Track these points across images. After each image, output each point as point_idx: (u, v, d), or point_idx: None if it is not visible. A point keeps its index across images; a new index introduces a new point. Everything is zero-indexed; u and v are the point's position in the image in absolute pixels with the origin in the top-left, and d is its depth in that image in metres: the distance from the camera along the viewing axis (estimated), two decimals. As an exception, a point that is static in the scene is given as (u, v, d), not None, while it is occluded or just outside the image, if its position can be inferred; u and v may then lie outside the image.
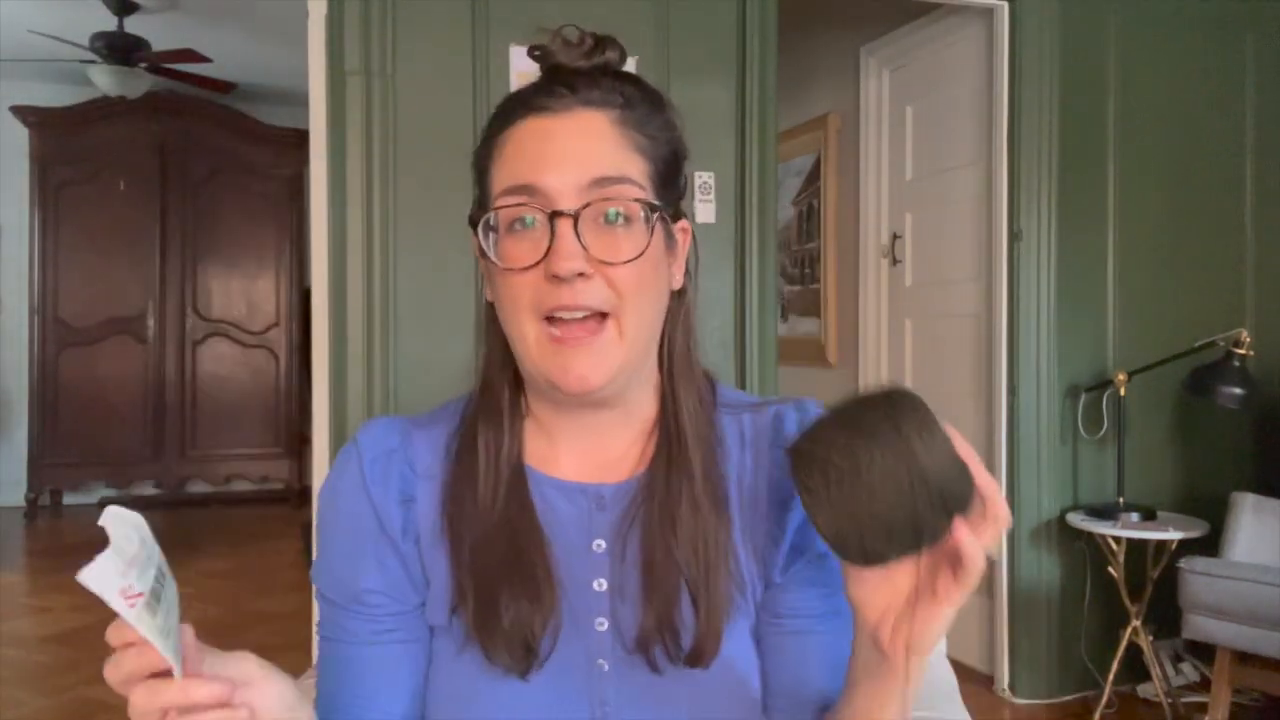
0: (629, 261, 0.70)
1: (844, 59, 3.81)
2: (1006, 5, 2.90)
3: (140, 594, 0.54)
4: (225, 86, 5.39)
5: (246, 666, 0.63)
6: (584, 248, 0.69)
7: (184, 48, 4.74)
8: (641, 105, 0.75)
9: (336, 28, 2.27)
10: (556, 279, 0.68)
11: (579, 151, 0.70)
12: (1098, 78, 2.98)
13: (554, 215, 0.69)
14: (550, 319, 0.70)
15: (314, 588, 0.79)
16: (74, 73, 5.17)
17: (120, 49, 4.66)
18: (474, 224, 0.73)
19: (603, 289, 0.70)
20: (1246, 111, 3.15)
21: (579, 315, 0.70)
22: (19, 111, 5.55)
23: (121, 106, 5.34)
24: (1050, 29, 2.90)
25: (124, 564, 0.54)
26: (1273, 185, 3.15)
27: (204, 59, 4.79)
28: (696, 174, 2.52)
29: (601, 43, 0.75)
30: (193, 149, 5.81)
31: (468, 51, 2.33)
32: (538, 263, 0.69)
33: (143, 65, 4.80)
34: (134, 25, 4.68)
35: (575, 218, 0.69)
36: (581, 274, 0.69)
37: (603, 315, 0.71)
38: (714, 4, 2.55)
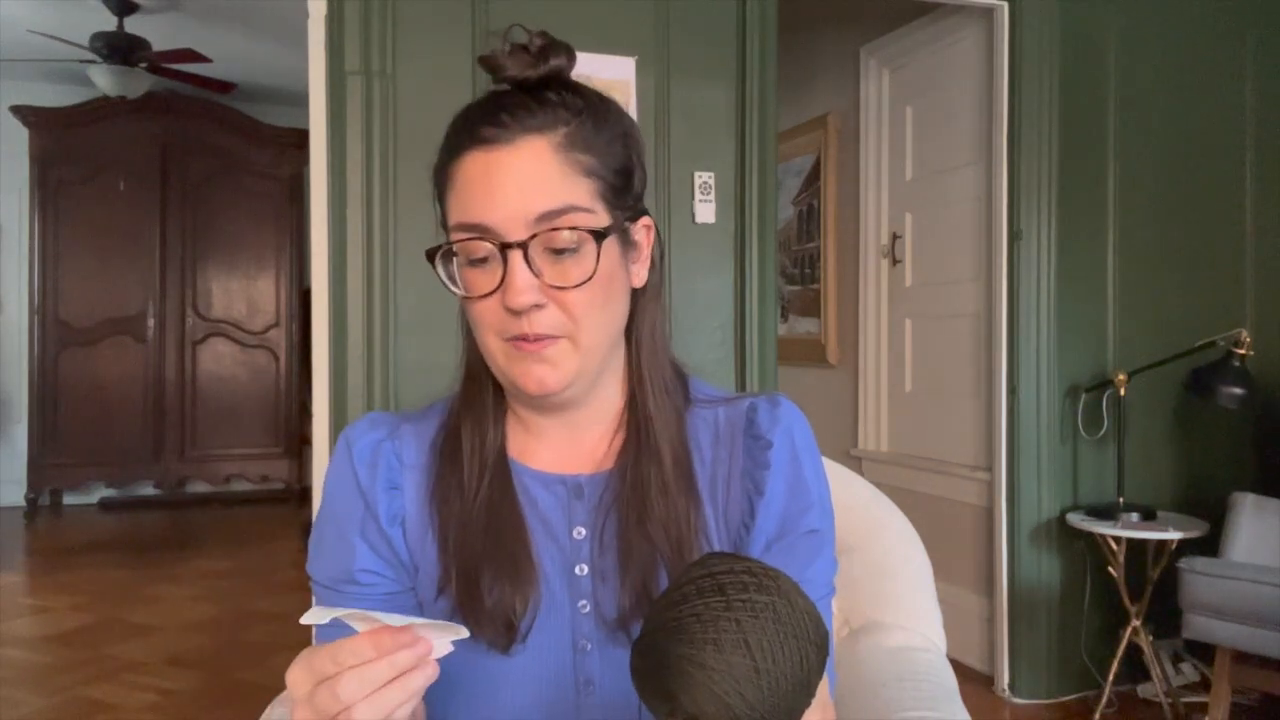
0: (580, 285, 0.73)
1: (844, 59, 3.81)
2: (1006, 5, 2.90)
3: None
4: (225, 86, 5.39)
5: None
6: (536, 274, 0.72)
7: (184, 48, 4.74)
8: (588, 121, 0.75)
9: (336, 28, 2.27)
10: (512, 311, 0.72)
11: (523, 186, 0.72)
12: (1098, 78, 2.98)
13: (504, 247, 0.72)
14: (512, 338, 0.74)
15: (311, 581, 0.82)
16: (74, 73, 5.18)
17: (120, 49, 4.66)
18: (431, 259, 0.76)
19: (556, 315, 0.73)
20: (1246, 111, 3.15)
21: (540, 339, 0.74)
22: (19, 111, 5.55)
23: (121, 106, 5.34)
24: (1050, 29, 2.90)
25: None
26: (1273, 185, 3.15)
27: (204, 59, 4.79)
28: (696, 174, 2.52)
29: (549, 47, 0.75)
30: (193, 149, 5.81)
31: (468, 51, 2.32)
32: (494, 292, 0.73)
33: (143, 65, 4.80)
34: (134, 25, 4.69)
35: (525, 248, 0.71)
36: (536, 304, 0.72)
37: (557, 338, 0.74)
38: (714, 4, 2.55)
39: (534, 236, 0.72)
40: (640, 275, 0.81)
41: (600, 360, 0.78)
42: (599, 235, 0.73)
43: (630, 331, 0.82)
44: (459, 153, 0.75)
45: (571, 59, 0.76)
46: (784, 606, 0.56)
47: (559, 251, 0.72)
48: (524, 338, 0.73)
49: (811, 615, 0.57)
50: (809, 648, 0.56)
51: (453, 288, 0.75)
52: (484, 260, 0.73)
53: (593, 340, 0.75)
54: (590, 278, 0.73)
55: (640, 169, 0.80)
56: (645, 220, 0.81)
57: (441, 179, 0.77)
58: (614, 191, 0.76)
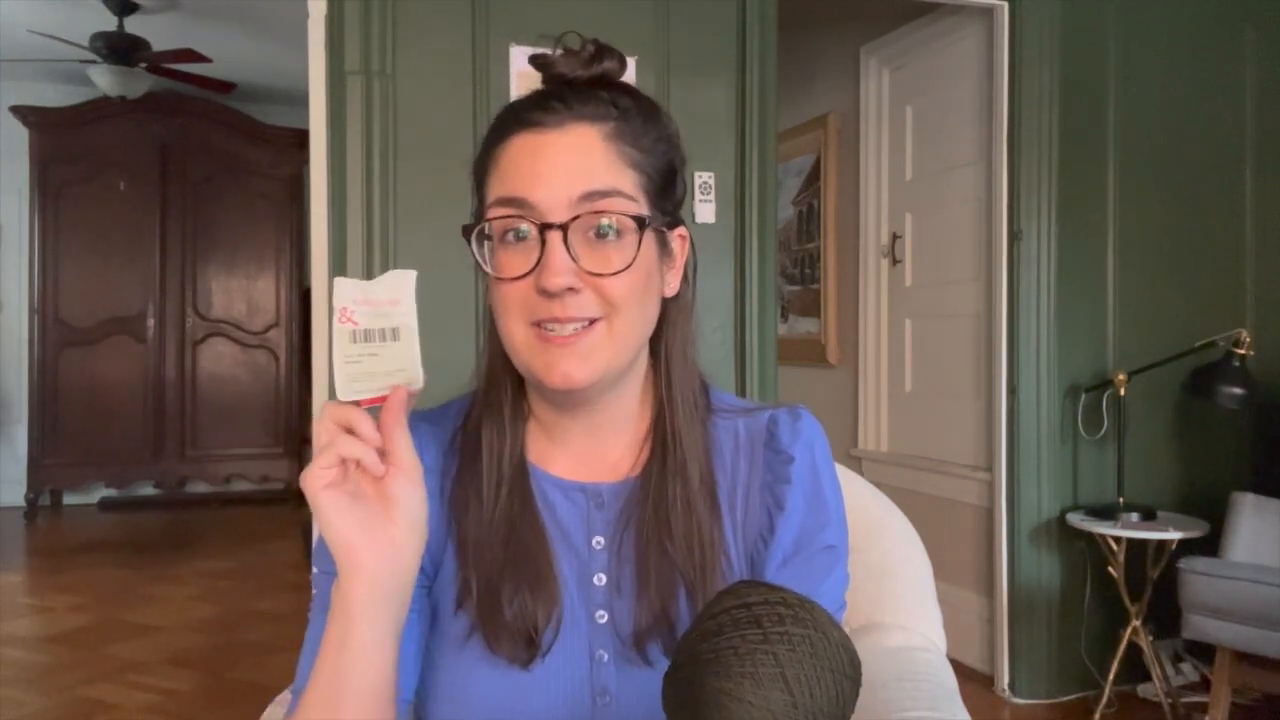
0: (618, 273, 0.71)
1: (844, 59, 3.81)
2: (1006, 5, 2.89)
3: (355, 324, 0.65)
4: (225, 86, 5.39)
5: (413, 467, 0.68)
6: (574, 259, 0.70)
7: (184, 48, 4.74)
8: (636, 118, 0.75)
9: (336, 28, 2.27)
10: (546, 293, 0.70)
11: (570, 166, 0.72)
12: (1098, 78, 2.98)
13: (544, 228, 0.70)
14: (540, 324, 0.72)
15: (313, 571, 0.79)
16: (74, 73, 5.18)
17: (120, 49, 4.67)
18: (467, 235, 0.75)
19: (592, 300, 0.72)
20: (1247, 109, 3.15)
21: (569, 329, 0.72)
22: (19, 111, 5.55)
23: (121, 106, 5.34)
24: (1050, 29, 2.90)
25: (363, 296, 0.66)
26: (1273, 185, 3.15)
27: (204, 59, 4.79)
28: (696, 174, 2.52)
29: (601, 52, 0.76)
30: (193, 149, 5.81)
31: (468, 51, 2.33)
32: (528, 273, 0.71)
33: (143, 65, 4.80)
34: (134, 25, 4.69)
35: (565, 230, 0.70)
36: (571, 288, 0.70)
37: (594, 319, 0.72)
38: (714, 4, 2.55)
39: (575, 219, 0.71)
40: (673, 285, 0.79)
41: (629, 357, 0.76)
42: (641, 223, 0.73)
43: (659, 343, 0.80)
44: (505, 136, 0.74)
45: (623, 65, 0.77)
46: (820, 640, 0.55)
47: (600, 234, 0.71)
48: (554, 323, 0.71)
49: (846, 648, 0.56)
50: (844, 681, 0.55)
51: (485, 267, 0.74)
52: (521, 238, 0.72)
53: (627, 330, 0.73)
54: (630, 265, 0.72)
55: (681, 178, 0.80)
56: (681, 230, 0.80)
57: (483, 164, 0.76)
58: (657, 190, 0.76)
